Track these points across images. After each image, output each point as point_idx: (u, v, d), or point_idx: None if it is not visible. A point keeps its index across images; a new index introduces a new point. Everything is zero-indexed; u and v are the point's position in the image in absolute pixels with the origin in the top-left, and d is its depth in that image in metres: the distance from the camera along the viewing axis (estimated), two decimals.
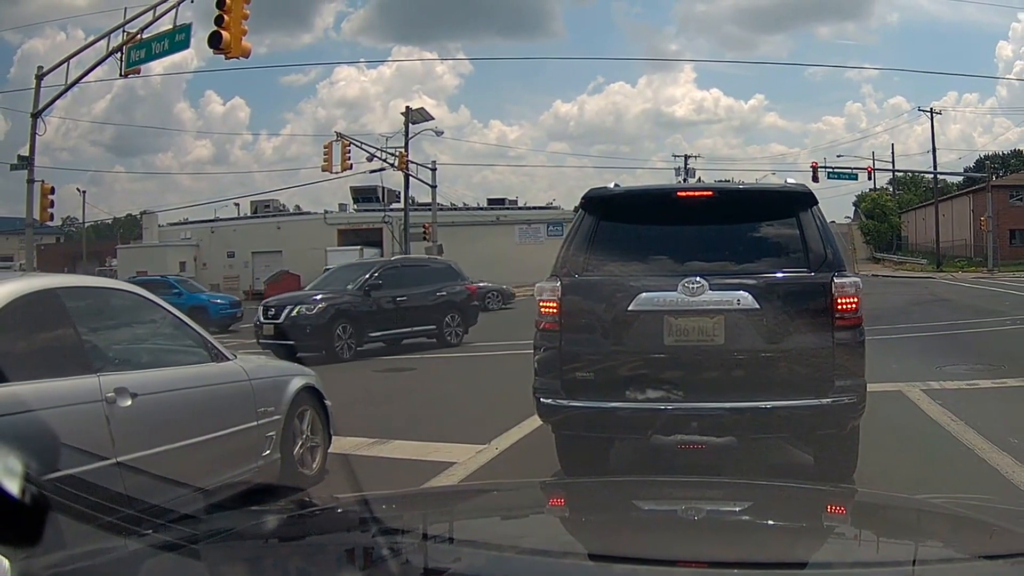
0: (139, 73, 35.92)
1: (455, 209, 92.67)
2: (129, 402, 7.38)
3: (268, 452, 9.43)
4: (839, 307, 8.53)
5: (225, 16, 27.52)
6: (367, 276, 27.37)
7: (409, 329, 27.83)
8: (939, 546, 3.31)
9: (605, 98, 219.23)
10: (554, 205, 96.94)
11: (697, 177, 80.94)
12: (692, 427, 8.80)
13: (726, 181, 20.15)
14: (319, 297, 26.46)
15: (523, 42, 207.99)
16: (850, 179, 79.60)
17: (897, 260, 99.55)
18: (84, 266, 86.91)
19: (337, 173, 57.02)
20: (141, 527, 3.06)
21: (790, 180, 10.11)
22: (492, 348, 26.58)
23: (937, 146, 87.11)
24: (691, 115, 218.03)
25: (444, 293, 29.04)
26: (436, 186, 71.45)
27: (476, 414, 14.93)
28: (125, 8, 34.78)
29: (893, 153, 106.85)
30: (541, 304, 9.10)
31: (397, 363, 24.16)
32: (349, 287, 26.98)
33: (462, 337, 29.25)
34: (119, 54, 34.12)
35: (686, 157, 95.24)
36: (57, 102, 38.61)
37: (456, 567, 2.71)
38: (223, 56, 28.00)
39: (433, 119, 71.88)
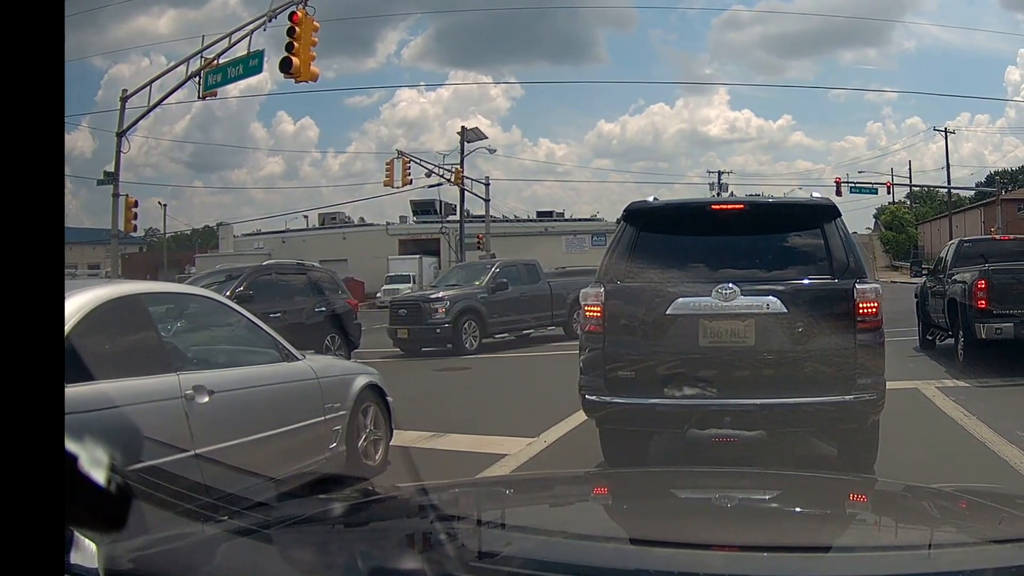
0: (216, 95, 36.28)
1: (507, 221, 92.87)
2: (206, 399, 7.45)
3: (334, 445, 9.48)
4: (861, 311, 8.52)
5: (295, 43, 27.84)
6: (233, 288, 20.03)
7: None
8: (953, 531, 3.28)
9: (645, 118, 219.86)
10: (598, 217, 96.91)
11: (730, 191, 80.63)
12: (725, 422, 8.77)
13: (756, 195, 20.06)
14: None
15: (570, 67, 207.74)
16: (871, 193, 78.81)
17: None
18: (165, 274, 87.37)
19: (398, 188, 57.19)
20: (217, 514, 3.06)
21: (815, 194, 10.05)
22: (542, 348, 26.61)
23: (951, 163, 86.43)
24: (724, 134, 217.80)
25: (324, 309, 22.68)
26: (489, 199, 71.67)
27: (526, 409, 14.91)
28: (203, 36, 35.35)
29: (910, 169, 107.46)
30: (586, 308, 9.09)
31: (452, 363, 24.05)
32: None
33: None
34: (197, 78, 34.41)
35: (719, 173, 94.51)
36: (140, 122, 38.83)
37: (508, 551, 2.69)
38: (293, 80, 28.30)
39: (487, 138, 72.36)
